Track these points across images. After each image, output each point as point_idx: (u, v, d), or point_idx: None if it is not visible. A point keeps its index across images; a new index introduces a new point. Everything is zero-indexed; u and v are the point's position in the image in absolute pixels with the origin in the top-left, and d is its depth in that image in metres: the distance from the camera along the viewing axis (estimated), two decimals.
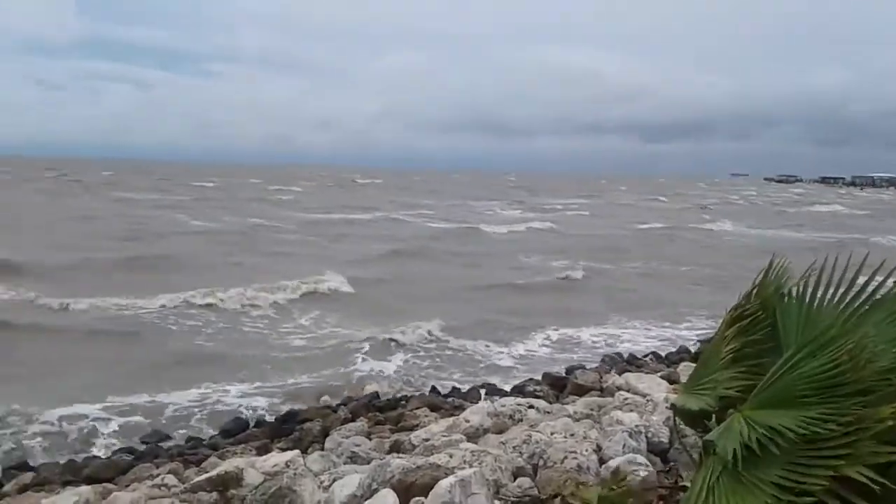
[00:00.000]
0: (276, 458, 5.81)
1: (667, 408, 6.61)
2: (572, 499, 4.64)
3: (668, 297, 19.49)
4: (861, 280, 3.23)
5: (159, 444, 9.04)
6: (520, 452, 5.57)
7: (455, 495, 4.44)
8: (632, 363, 12.43)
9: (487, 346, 14.04)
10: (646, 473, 5.30)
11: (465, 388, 11.27)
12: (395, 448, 6.63)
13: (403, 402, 10.25)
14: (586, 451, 5.51)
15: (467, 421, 6.76)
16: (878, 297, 3.14)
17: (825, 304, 3.31)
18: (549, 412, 7.15)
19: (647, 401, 7.28)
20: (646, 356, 13.23)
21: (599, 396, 8.50)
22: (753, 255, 26.22)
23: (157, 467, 7.45)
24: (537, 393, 9.76)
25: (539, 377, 11.37)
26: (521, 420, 6.87)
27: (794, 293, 3.42)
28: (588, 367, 11.86)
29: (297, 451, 6.17)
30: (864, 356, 2.78)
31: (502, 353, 13.71)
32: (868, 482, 2.50)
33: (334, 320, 15.83)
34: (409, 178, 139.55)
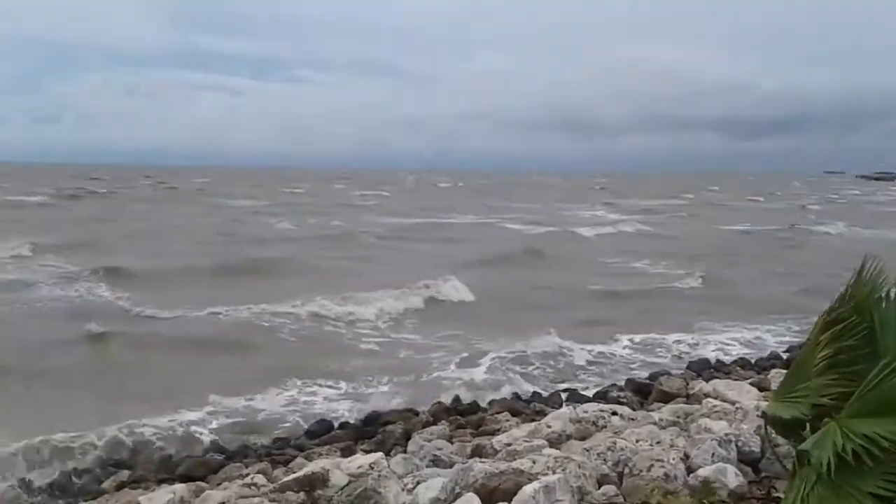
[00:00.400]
0: (360, 460, 5.91)
1: (758, 416, 6.41)
2: None
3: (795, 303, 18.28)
4: None
5: (249, 444, 9.30)
6: (604, 459, 5.49)
7: (539, 501, 4.42)
8: (719, 370, 12.10)
9: (609, 353, 13.75)
10: (737, 483, 5.15)
11: (546, 392, 11.18)
12: (477, 452, 6.64)
13: (484, 407, 10.25)
14: (673, 459, 5.39)
15: (549, 426, 6.71)
16: None
17: None
18: (633, 419, 7.03)
19: (737, 408, 7.06)
20: (733, 362, 12.84)
21: (686, 404, 8.29)
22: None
23: (247, 467, 7.68)
24: (621, 399, 9.60)
25: (622, 383, 11.19)
26: (605, 427, 6.77)
27: (892, 296, 3.27)
28: (673, 372, 11.60)
29: (380, 454, 6.26)
30: None
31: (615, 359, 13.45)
32: None
33: (437, 328, 15.58)
34: (494, 181, 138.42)
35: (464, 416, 9.50)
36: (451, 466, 5.82)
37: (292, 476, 5.76)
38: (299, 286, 18.79)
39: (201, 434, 9.59)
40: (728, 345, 14.64)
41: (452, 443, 7.38)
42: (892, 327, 3.18)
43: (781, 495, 3.34)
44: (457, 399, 10.61)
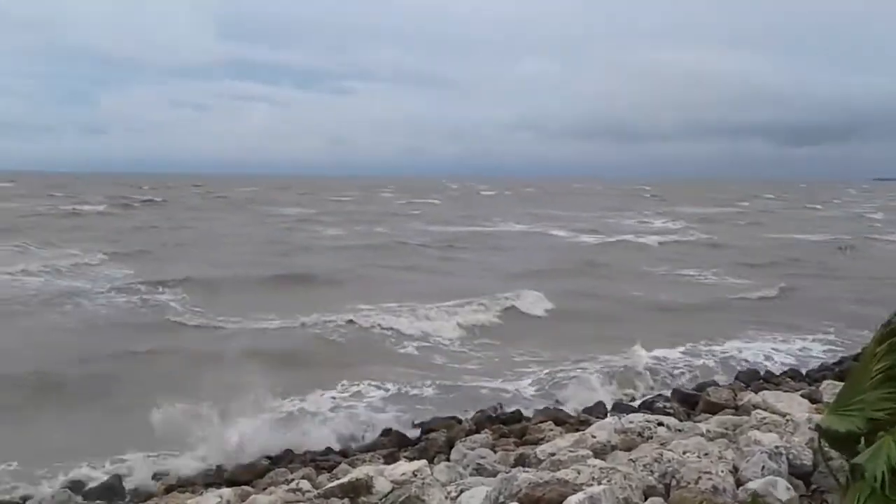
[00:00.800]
0: (404, 467, 5.93)
1: (810, 429, 6.25)
2: None
3: (861, 313, 17.39)
4: None
5: (294, 449, 9.40)
6: (650, 471, 5.41)
7: None
8: (769, 380, 11.86)
9: (696, 365, 13.47)
10: (788, 497, 5.03)
11: (590, 402, 11.08)
12: (521, 461, 6.60)
13: (528, 416, 10.21)
14: (722, 471, 5.28)
15: (594, 436, 6.64)
16: None
17: None
18: (680, 430, 6.91)
19: (787, 421, 6.90)
20: (783, 373, 12.58)
21: (734, 415, 8.13)
22: None
23: (292, 472, 7.77)
24: (667, 410, 9.47)
25: (668, 393, 11.04)
26: (651, 437, 6.67)
27: None
28: (721, 383, 11.40)
29: (423, 461, 6.27)
30: None
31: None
32: None
33: (514, 341, 15.18)
34: (538, 189, 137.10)
35: (507, 425, 9.47)
36: (494, 475, 5.80)
37: (336, 482, 5.81)
38: (358, 295, 18.89)
39: (249, 439, 9.73)
40: (789, 354, 14.36)
41: (496, 451, 7.35)
42: None
43: None
44: (499, 407, 10.58)
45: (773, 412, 7.61)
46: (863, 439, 3.02)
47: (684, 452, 5.83)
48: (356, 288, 20.64)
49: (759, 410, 7.66)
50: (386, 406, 11.19)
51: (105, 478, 8.32)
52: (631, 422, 7.11)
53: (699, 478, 5.20)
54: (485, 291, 18.97)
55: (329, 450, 9.32)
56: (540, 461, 6.29)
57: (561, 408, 10.64)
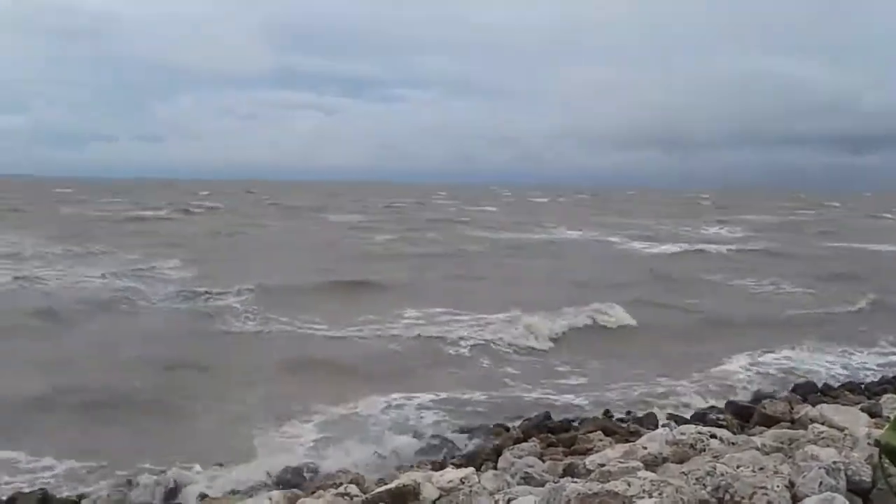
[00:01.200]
0: (451, 474, 5.91)
1: (869, 444, 6.06)
2: None
3: None
4: None
5: (342, 453, 9.46)
6: (703, 485, 5.29)
7: None
8: (826, 393, 11.55)
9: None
10: None
11: (641, 412, 10.93)
12: (569, 471, 6.53)
13: (576, 425, 10.10)
14: (777, 487, 5.14)
15: (644, 448, 6.53)
16: None
17: None
18: (733, 443, 6.76)
19: (846, 435, 6.70)
20: (841, 386, 12.24)
21: (790, 429, 7.92)
22: None
23: (340, 475, 7.82)
24: (720, 422, 9.27)
25: (722, 405, 10.82)
26: (704, 450, 6.54)
27: None
28: (777, 395, 11.13)
29: (471, 469, 6.25)
30: None
31: None
32: None
33: (608, 355, 14.72)
34: (592, 196, 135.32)
35: (555, 434, 9.38)
36: (542, 485, 5.74)
37: (384, 487, 5.81)
38: (418, 303, 18.83)
39: (301, 442, 9.86)
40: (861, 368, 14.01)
41: (544, 461, 7.29)
42: None
43: None
44: (547, 415, 10.50)
45: (831, 426, 7.39)
46: None
47: (738, 466, 5.70)
48: (417, 296, 20.48)
49: (816, 424, 7.44)
50: (436, 412, 11.20)
51: (158, 479, 8.48)
52: (683, 433, 6.98)
53: (754, 493, 5.07)
54: (553, 301, 18.56)
55: (377, 454, 9.35)
56: (589, 472, 6.20)
57: (612, 417, 10.53)
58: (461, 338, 15.45)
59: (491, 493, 5.61)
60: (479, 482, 5.82)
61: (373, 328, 16.45)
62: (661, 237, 43.80)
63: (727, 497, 5.16)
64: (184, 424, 10.33)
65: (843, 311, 19.67)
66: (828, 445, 6.39)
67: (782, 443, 6.88)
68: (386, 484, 6.03)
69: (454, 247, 35.38)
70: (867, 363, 14.37)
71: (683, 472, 5.54)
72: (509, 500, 5.33)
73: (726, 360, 13.85)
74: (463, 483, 5.67)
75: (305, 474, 8.53)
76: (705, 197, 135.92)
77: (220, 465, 9.01)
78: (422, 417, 10.98)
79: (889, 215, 76.55)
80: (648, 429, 9.11)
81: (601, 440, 8.43)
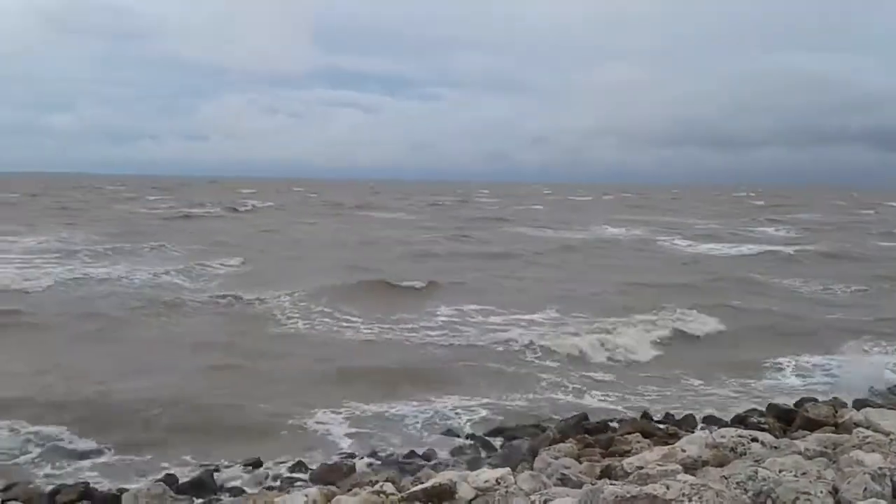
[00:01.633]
0: (487, 474, 5.88)
1: None
2: None
3: None
4: None
5: (378, 451, 9.51)
6: (744, 489, 5.18)
7: None
8: (872, 397, 11.27)
9: None
10: None
11: (679, 414, 10.78)
12: (607, 473, 6.45)
13: (614, 426, 10.00)
14: (821, 492, 5.02)
15: (684, 450, 6.42)
16: None
17: None
18: (775, 447, 6.61)
19: (891, 440, 6.52)
20: (888, 389, 11.95)
21: (834, 433, 7.74)
22: None
23: (376, 474, 7.84)
24: (761, 425, 9.11)
25: (763, 408, 10.62)
26: (744, 454, 6.40)
27: None
28: (820, 399, 10.89)
29: (507, 469, 6.20)
30: None
31: None
32: None
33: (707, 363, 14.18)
34: (637, 194, 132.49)
35: (592, 435, 9.29)
36: (579, 486, 5.68)
37: (420, 486, 5.80)
38: (476, 303, 18.82)
39: (338, 440, 9.93)
40: None
41: (581, 462, 7.20)
42: None
43: None
44: (584, 416, 10.41)
45: (877, 431, 7.20)
46: None
47: (780, 471, 5.57)
48: (478, 296, 20.29)
49: (860, 429, 7.26)
50: (477, 412, 11.21)
51: (199, 472, 8.61)
52: (723, 436, 6.84)
53: (797, 498, 4.95)
54: (620, 305, 18.23)
55: (413, 453, 9.38)
56: (627, 474, 6.12)
57: (650, 418, 10.40)
58: (510, 339, 15.37)
59: (527, 494, 5.56)
60: (516, 483, 5.77)
61: (424, 327, 16.59)
62: (720, 237, 42.34)
63: (769, 502, 5.05)
64: (222, 421, 10.45)
65: None
66: (873, 450, 6.22)
67: (826, 447, 6.72)
68: (422, 483, 6.03)
69: (508, 246, 34.77)
70: None
71: (724, 476, 5.43)
72: (546, 502, 5.28)
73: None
74: (499, 483, 5.63)
75: (342, 472, 8.57)
76: (753, 195, 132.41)
77: (258, 461, 9.13)
78: (458, 417, 10.99)
79: None
80: (687, 431, 8.99)
81: (639, 442, 8.32)
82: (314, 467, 8.80)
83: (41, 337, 14.91)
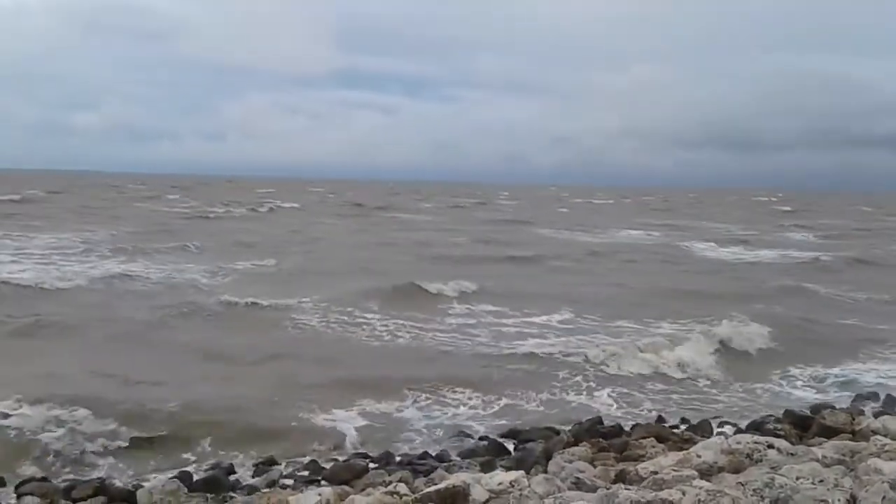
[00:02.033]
0: (501, 477, 5.88)
1: None
2: None
3: None
4: None
5: (392, 451, 9.51)
6: (761, 496, 5.15)
7: None
8: (890, 404, 11.16)
9: None
10: None
11: (694, 419, 10.72)
12: (621, 478, 6.42)
13: (628, 430, 9.96)
14: (839, 500, 4.98)
15: (699, 456, 6.39)
16: None
17: None
18: (792, 454, 6.56)
19: None
20: None
21: (851, 440, 7.68)
22: None
23: (389, 474, 7.84)
24: (777, 431, 9.02)
25: (780, 414, 10.53)
26: (761, 460, 6.36)
27: None
28: (837, 406, 10.78)
29: (521, 472, 6.20)
30: None
31: None
32: None
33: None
34: (657, 197, 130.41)
35: (606, 439, 9.23)
36: (594, 490, 5.66)
37: (433, 487, 5.81)
38: (508, 312, 18.34)
39: (352, 439, 9.95)
40: None
41: (595, 466, 7.17)
42: None
43: None
44: (598, 420, 10.37)
45: (894, 439, 7.14)
46: None
47: (798, 478, 5.53)
48: (503, 300, 19.80)
49: (878, 437, 7.20)
50: (490, 414, 11.22)
51: (211, 471, 8.65)
52: (738, 442, 6.79)
53: None
54: (665, 314, 17.66)
55: (426, 454, 9.37)
56: (641, 479, 6.09)
57: (665, 423, 10.35)
58: (539, 346, 14.99)
59: (541, 497, 5.55)
60: (530, 486, 5.76)
61: (450, 330, 16.50)
62: (747, 241, 41.30)
63: None
64: (236, 419, 10.48)
65: None
66: (892, 459, 6.16)
67: (844, 455, 6.66)
68: (435, 484, 6.03)
69: (532, 249, 33.84)
70: None
71: (740, 483, 5.40)
72: None
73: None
74: (513, 486, 5.63)
75: (355, 471, 8.57)
76: (775, 199, 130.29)
77: (271, 459, 9.16)
78: (472, 419, 10.99)
79: None
80: (702, 437, 8.92)
81: (654, 447, 8.25)
82: (328, 466, 8.82)
83: (64, 335, 14.96)
